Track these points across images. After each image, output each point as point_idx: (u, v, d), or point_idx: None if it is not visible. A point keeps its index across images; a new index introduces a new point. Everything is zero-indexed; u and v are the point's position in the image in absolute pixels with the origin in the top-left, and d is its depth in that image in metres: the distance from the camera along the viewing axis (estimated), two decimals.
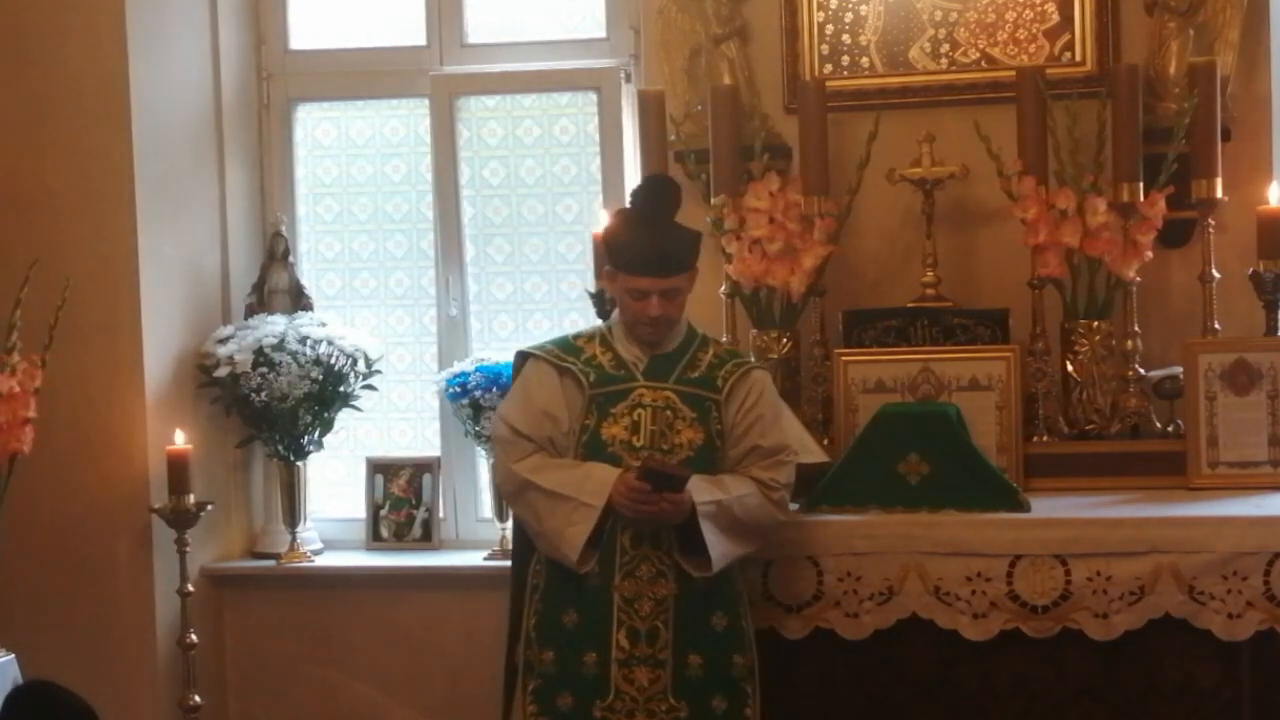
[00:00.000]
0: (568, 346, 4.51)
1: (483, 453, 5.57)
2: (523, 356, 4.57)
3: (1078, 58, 5.23)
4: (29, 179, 5.41)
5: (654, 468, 4.30)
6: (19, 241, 5.28)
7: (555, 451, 4.43)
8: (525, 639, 4.46)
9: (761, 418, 4.46)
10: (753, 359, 4.66)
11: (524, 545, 4.59)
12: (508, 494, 4.55)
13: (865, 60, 5.35)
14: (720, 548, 4.33)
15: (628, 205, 4.50)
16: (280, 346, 5.53)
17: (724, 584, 4.43)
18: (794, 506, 4.74)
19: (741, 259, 5.12)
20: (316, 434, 5.66)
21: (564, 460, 4.42)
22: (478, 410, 5.44)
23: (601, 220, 5.22)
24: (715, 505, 4.33)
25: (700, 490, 4.32)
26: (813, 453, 4.89)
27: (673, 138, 5.31)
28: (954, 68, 5.31)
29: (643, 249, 4.36)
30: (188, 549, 5.31)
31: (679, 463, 4.37)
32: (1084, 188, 4.97)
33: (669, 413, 4.42)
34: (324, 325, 5.66)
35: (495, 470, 4.58)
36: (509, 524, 5.06)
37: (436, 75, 5.79)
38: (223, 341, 5.59)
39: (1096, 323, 5.02)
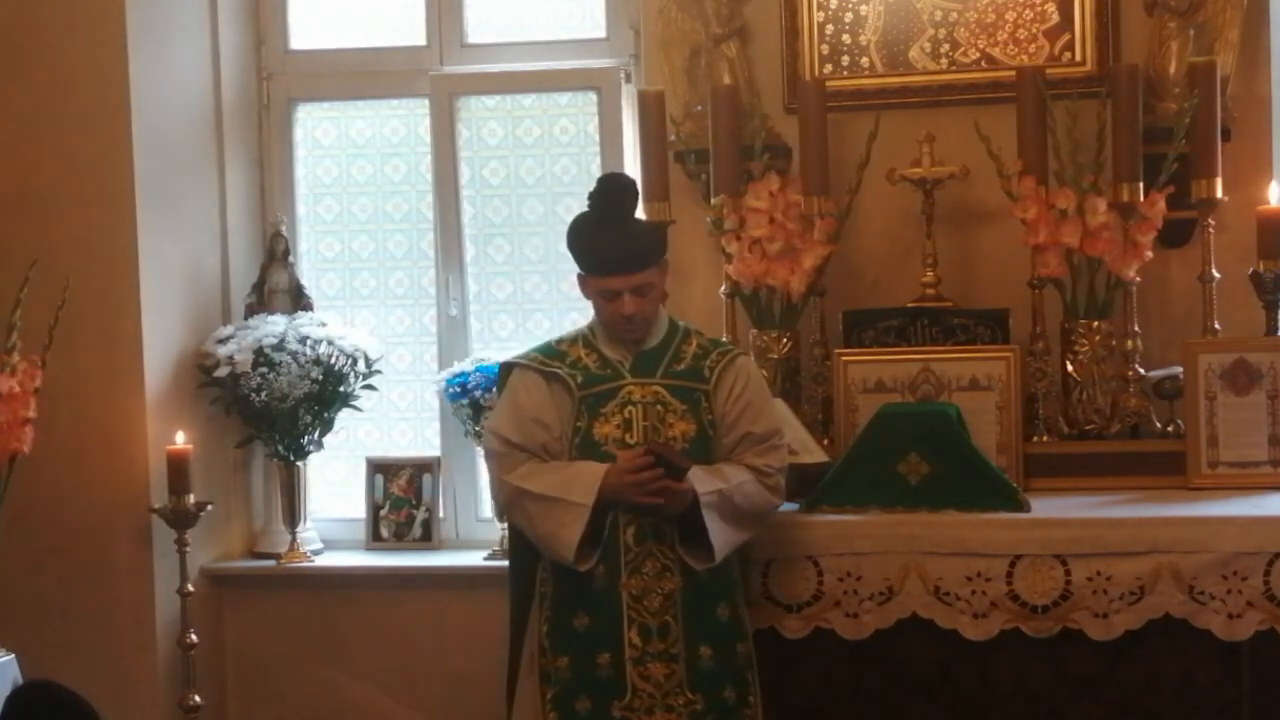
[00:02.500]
0: (551, 352, 4.51)
1: (483, 453, 5.56)
2: (507, 368, 4.56)
3: (1078, 58, 5.23)
4: (29, 179, 5.41)
5: (659, 452, 4.31)
6: (19, 241, 5.28)
7: (549, 458, 4.42)
8: (540, 647, 4.46)
9: (751, 404, 4.46)
10: (734, 348, 4.63)
11: (523, 553, 4.57)
12: (503, 506, 4.54)
13: (865, 60, 5.35)
14: (722, 536, 4.34)
15: (586, 209, 4.48)
16: (280, 346, 5.53)
17: (724, 574, 4.44)
18: (794, 507, 4.75)
19: (741, 259, 5.12)
20: (316, 434, 5.66)
21: (554, 464, 4.42)
22: (478, 410, 5.44)
23: None
24: (717, 495, 4.33)
25: (702, 480, 4.32)
26: (813, 453, 4.89)
27: (673, 138, 5.32)
28: (954, 68, 5.31)
29: (607, 249, 4.37)
30: (188, 549, 5.32)
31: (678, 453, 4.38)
32: (1084, 188, 4.97)
33: (660, 407, 4.42)
34: (324, 325, 5.66)
35: (491, 485, 4.58)
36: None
37: (436, 75, 5.79)
38: (223, 341, 5.59)
39: (1096, 323, 5.03)
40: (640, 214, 5.12)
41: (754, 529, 4.48)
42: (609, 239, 4.37)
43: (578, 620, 4.40)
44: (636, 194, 4.46)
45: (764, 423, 4.47)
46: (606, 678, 4.36)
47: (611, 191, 4.42)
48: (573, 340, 4.53)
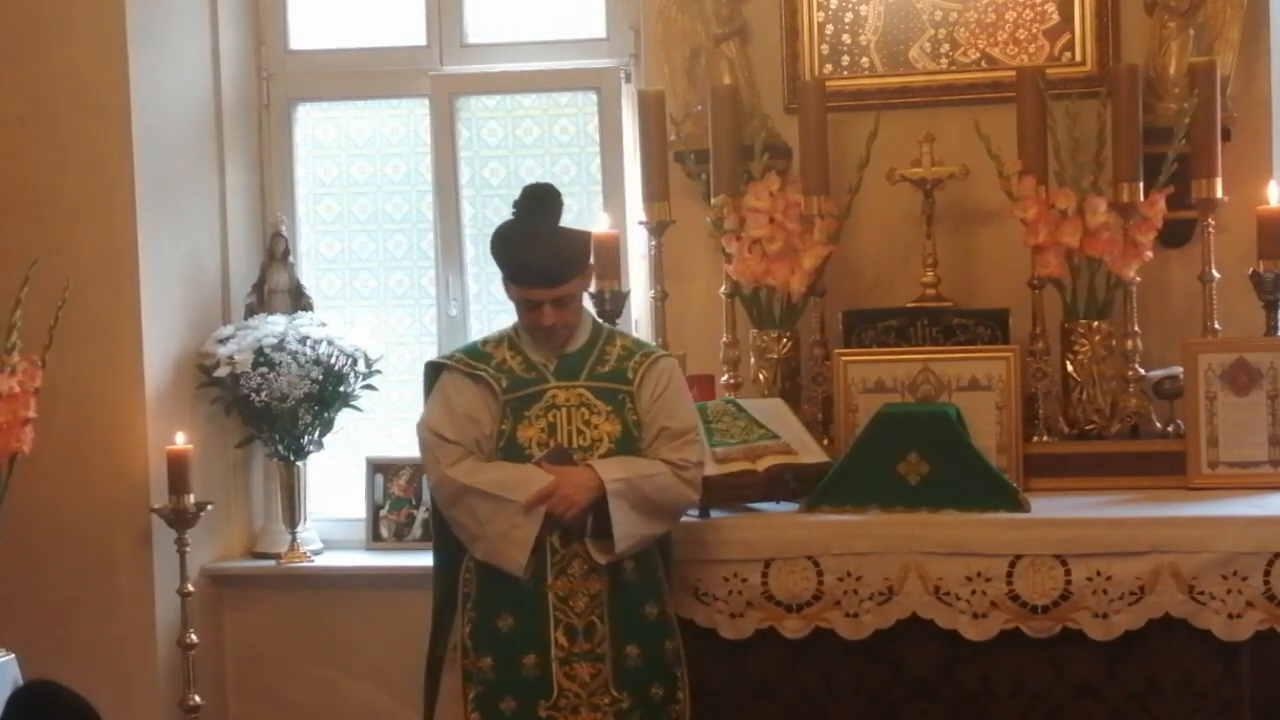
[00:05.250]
0: (477, 354, 4.52)
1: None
2: (434, 368, 4.58)
3: (1078, 58, 5.23)
4: (29, 179, 5.41)
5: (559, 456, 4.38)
6: (19, 241, 5.28)
7: (481, 455, 4.44)
8: (462, 647, 4.47)
9: (668, 400, 4.48)
10: (659, 350, 4.65)
11: (447, 551, 4.58)
12: (444, 499, 4.50)
13: (865, 60, 5.35)
14: (626, 526, 4.33)
15: (510, 217, 4.47)
16: (280, 346, 5.53)
17: (651, 573, 4.47)
18: (794, 506, 4.75)
19: (741, 259, 5.12)
20: (316, 434, 5.66)
21: (499, 463, 4.43)
22: None
23: (602, 221, 5.23)
24: (624, 483, 4.33)
25: (609, 469, 4.35)
26: (813, 453, 4.89)
27: (673, 138, 5.32)
28: (954, 68, 5.32)
29: (527, 262, 4.37)
30: (188, 549, 5.32)
31: (600, 456, 4.39)
32: (1084, 188, 4.97)
33: (584, 410, 4.43)
34: (324, 325, 5.66)
35: (428, 477, 4.59)
36: None
37: (436, 75, 5.79)
38: (223, 341, 5.60)
39: (1096, 323, 5.03)
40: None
41: (667, 523, 4.49)
42: (531, 251, 4.37)
43: (501, 621, 4.41)
44: (560, 204, 4.45)
45: (680, 418, 4.48)
46: (533, 678, 4.38)
47: (535, 202, 4.43)
48: (498, 341, 4.54)
